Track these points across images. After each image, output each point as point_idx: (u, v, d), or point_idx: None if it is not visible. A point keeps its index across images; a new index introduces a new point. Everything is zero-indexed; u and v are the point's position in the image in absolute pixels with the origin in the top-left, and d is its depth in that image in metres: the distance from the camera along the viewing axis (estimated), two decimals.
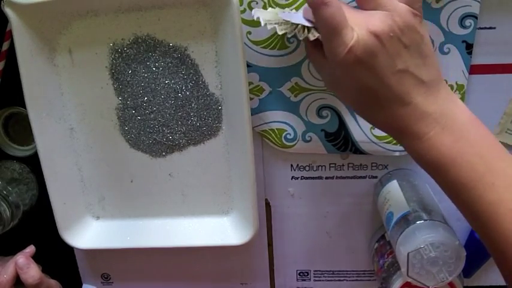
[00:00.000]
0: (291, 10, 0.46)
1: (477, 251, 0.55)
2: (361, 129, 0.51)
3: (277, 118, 0.52)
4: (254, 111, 0.52)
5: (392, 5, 0.35)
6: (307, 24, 0.38)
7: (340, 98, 0.41)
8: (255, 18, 0.42)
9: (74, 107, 0.53)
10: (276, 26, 0.40)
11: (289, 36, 0.38)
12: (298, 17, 0.39)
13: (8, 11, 0.46)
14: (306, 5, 0.37)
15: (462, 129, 0.36)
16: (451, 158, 0.35)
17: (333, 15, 0.34)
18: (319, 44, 0.39)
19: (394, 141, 0.51)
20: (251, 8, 0.47)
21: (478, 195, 0.35)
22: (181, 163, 0.55)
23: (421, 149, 0.36)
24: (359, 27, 0.34)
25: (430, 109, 0.36)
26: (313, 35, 0.38)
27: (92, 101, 0.53)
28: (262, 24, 0.41)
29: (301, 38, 0.38)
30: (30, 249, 0.56)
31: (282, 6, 0.47)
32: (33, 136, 0.51)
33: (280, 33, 0.40)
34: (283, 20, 0.40)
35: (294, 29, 0.39)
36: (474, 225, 0.37)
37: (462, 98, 0.50)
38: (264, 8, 0.47)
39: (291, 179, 0.57)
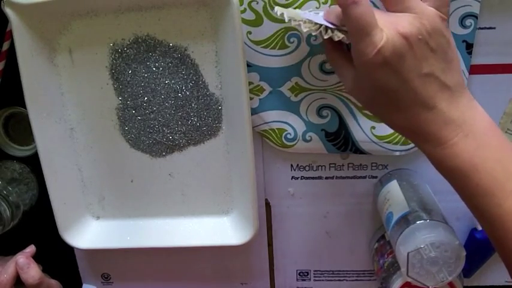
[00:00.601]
0: (310, 11, 0.45)
1: (477, 251, 0.55)
2: (361, 129, 0.51)
3: (278, 118, 0.52)
4: (254, 111, 0.52)
5: (420, 8, 0.35)
6: (329, 25, 0.38)
7: (360, 100, 0.40)
8: (278, 14, 0.41)
9: (74, 107, 0.53)
10: (301, 23, 0.39)
11: (313, 34, 0.38)
12: (320, 18, 0.39)
13: (8, 11, 0.46)
14: (327, 7, 0.37)
15: (483, 136, 0.36)
16: (472, 164, 0.35)
17: (363, 15, 0.33)
18: (340, 45, 0.39)
19: (395, 141, 0.51)
20: (252, 8, 0.47)
21: (498, 203, 0.34)
22: (181, 163, 0.55)
23: (443, 155, 0.36)
24: (388, 28, 0.34)
25: (454, 115, 0.36)
26: (338, 36, 0.37)
27: (92, 101, 0.53)
28: (286, 20, 0.40)
29: (325, 37, 0.38)
30: (31, 249, 0.56)
31: (283, 6, 0.47)
32: (33, 136, 0.51)
33: (304, 30, 0.39)
34: (307, 19, 0.40)
35: (318, 29, 0.38)
36: (491, 233, 0.36)
37: None
38: (264, 7, 0.47)
39: (291, 179, 0.57)
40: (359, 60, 0.36)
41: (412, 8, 0.35)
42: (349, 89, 0.39)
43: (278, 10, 0.42)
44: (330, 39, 0.39)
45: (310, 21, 0.39)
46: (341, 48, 0.40)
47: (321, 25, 0.38)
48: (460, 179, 0.36)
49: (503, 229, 0.35)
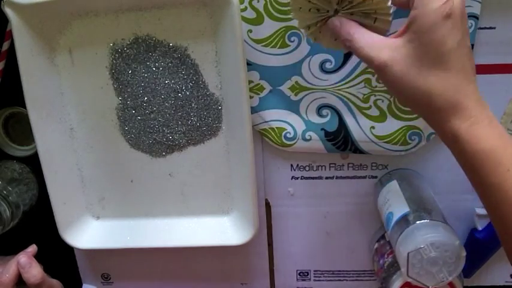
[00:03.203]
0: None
1: (477, 251, 0.55)
2: (361, 129, 0.51)
3: (277, 117, 0.52)
4: (254, 110, 0.52)
5: None
6: None
7: (396, 68, 0.37)
8: None
9: (74, 107, 0.53)
10: None
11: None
12: None
13: (8, 11, 0.46)
14: None
15: (500, 127, 0.36)
16: (499, 149, 0.35)
17: None
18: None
19: (394, 141, 0.51)
20: (252, 6, 0.47)
21: None
22: (181, 163, 0.55)
23: (471, 135, 0.36)
24: None
25: (481, 99, 0.36)
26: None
27: (92, 101, 0.53)
28: None
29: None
30: (32, 248, 0.56)
31: (283, 6, 0.47)
32: (33, 136, 0.51)
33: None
34: None
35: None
36: (500, 224, 0.36)
37: None
38: (265, 6, 0.47)
39: (291, 179, 0.57)
40: (425, 8, 0.35)
41: None
42: (384, 60, 0.37)
43: None
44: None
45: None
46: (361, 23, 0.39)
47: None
48: (481, 165, 0.35)
49: None
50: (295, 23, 0.47)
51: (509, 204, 0.35)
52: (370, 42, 0.37)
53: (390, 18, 0.37)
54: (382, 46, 0.37)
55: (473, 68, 0.36)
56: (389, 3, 0.37)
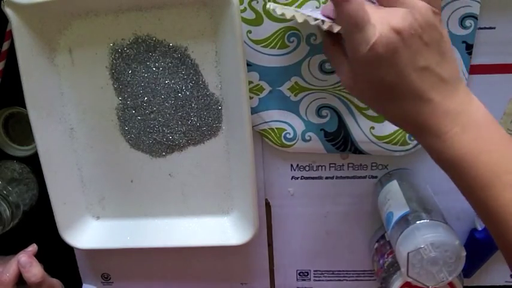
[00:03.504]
0: (296, 9, 0.46)
1: (477, 251, 0.55)
2: (360, 129, 0.51)
3: (277, 117, 0.52)
4: (254, 110, 0.52)
5: (412, 3, 0.35)
6: (327, 20, 0.38)
7: (357, 95, 0.40)
8: (271, 8, 0.43)
9: (74, 107, 0.53)
10: (296, 14, 0.40)
11: (312, 24, 0.38)
12: (317, 13, 0.39)
13: (8, 11, 0.46)
14: (324, 4, 0.37)
15: (480, 128, 0.36)
16: (470, 156, 0.35)
17: (355, 11, 0.34)
18: (338, 40, 0.39)
19: (394, 141, 0.51)
20: (252, 7, 0.47)
21: (495, 195, 0.34)
22: (181, 163, 0.55)
23: (441, 147, 0.36)
24: (381, 23, 0.34)
25: (450, 107, 0.36)
26: (337, 27, 0.37)
27: (92, 101, 0.53)
28: (279, 13, 0.41)
29: (325, 28, 0.38)
30: (33, 247, 0.56)
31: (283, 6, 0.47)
32: (33, 136, 0.51)
33: (300, 20, 0.39)
34: (303, 13, 0.40)
35: (315, 20, 0.38)
36: (489, 226, 0.36)
37: None
38: (265, 6, 0.47)
39: (291, 179, 0.57)
40: (353, 56, 0.36)
41: (405, 2, 0.35)
42: (347, 84, 0.40)
43: (271, 5, 0.43)
44: (329, 34, 0.39)
45: (308, 16, 0.40)
46: (340, 43, 0.40)
47: (317, 19, 0.38)
48: (458, 172, 0.36)
49: (502, 222, 0.35)
50: (294, 23, 0.47)
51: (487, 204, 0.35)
52: (340, 65, 0.40)
53: None
54: (345, 71, 0.39)
55: (430, 84, 0.36)
56: None
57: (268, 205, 0.58)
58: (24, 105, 0.50)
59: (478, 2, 0.46)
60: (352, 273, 0.62)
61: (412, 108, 0.36)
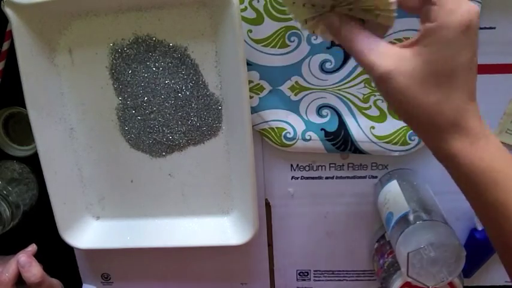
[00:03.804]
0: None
1: (477, 251, 0.55)
2: (360, 129, 0.51)
3: (277, 117, 0.52)
4: (254, 110, 0.52)
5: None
6: None
7: (399, 81, 0.35)
8: None
9: (74, 107, 0.53)
10: None
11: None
12: None
13: (8, 11, 0.46)
14: None
15: (501, 148, 0.35)
16: (496, 172, 0.34)
17: None
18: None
19: (394, 141, 0.51)
20: (252, 6, 0.47)
21: None
22: (181, 163, 0.55)
23: (473, 155, 0.35)
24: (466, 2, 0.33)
25: (480, 118, 0.35)
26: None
27: (92, 101, 0.53)
28: None
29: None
30: (32, 247, 0.56)
31: (283, 6, 0.47)
32: (33, 136, 0.51)
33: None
34: None
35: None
36: (499, 243, 0.36)
37: None
38: (265, 6, 0.47)
39: (291, 179, 0.57)
40: (446, 20, 0.33)
41: None
42: (388, 64, 0.35)
43: None
44: (352, 19, 0.35)
45: None
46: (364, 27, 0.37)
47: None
48: (479, 185, 0.35)
49: None
50: (295, 23, 0.47)
51: (505, 221, 0.34)
52: (374, 47, 0.35)
53: (394, 15, 0.34)
54: (387, 54, 0.35)
55: (475, 85, 0.35)
56: None
57: (268, 205, 0.58)
58: (24, 105, 0.50)
59: (478, 2, 0.46)
60: (352, 273, 0.62)
61: (463, 99, 0.34)
